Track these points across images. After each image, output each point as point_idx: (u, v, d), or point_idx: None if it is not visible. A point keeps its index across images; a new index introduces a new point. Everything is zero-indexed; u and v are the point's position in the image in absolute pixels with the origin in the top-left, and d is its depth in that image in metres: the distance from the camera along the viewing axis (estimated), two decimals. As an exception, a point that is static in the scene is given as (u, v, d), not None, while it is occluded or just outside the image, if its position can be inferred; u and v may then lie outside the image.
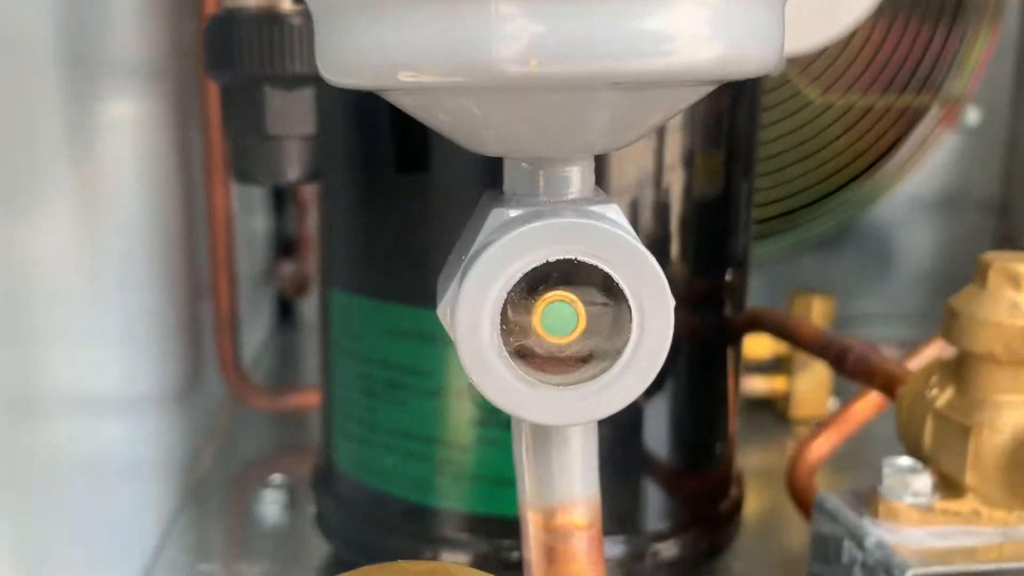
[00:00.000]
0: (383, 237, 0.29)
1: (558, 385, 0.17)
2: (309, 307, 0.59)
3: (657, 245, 0.29)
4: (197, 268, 0.42)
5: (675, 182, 0.28)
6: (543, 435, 0.18)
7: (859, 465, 0.37)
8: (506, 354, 0.16)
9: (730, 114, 0.29)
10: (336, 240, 0.31)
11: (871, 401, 0.35)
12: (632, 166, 0.28)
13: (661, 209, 0.28)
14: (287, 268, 0.54)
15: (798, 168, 0.57)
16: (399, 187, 0.28)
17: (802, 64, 0.54)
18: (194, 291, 0.41)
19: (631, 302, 0.16)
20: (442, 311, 0.17)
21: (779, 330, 0.34)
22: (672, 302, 0.17)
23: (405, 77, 0.15)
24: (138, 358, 0.35)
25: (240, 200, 0.49)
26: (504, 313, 0.17)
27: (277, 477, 0.38)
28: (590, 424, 0.19)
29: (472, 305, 0.16)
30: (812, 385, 0.45)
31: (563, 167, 0.17)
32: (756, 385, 0.46)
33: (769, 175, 0.56)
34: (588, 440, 0.19)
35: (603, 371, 0.17)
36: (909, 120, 0.57)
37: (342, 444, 0.31)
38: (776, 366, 0.46)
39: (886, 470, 0.25)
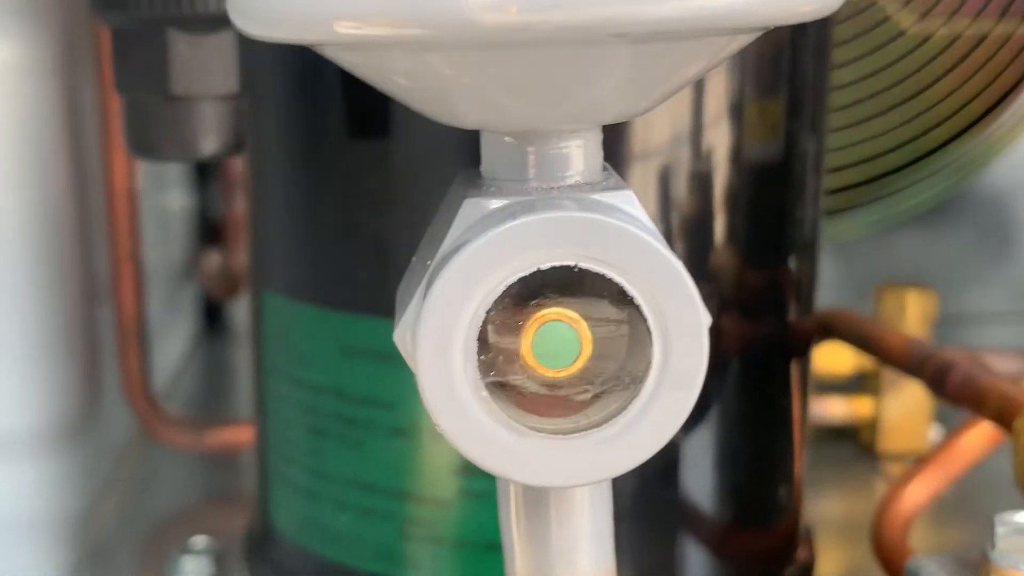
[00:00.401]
0: (331, 225, 0.29)
1: (555, 433, 0.17)
2: (242, 310, 0.59)
3: (695, 227, 0.29)
4: (92, 263, 0.42)
5: (719, 142, 0.28)
6: (537, 499, 0.18)
7: (972, 516, 0.37)
8: (485, 392, 0.16)
9: (791, 49, 0.29)
10: (270, 229, 0.31)
11: (984, 432, 0.35)
12: (661, 121, 0.28)
13: (700, 178, 0.28)
14: (213, 260, 0.54)
15: (887, 120, 0.56)
16: (351, 158, 0.28)
17: (891, -19, 0.53)
18: (88, 293, 0.41)
19: (651, 322, 0.16)
20: (400, 335, 0.17)
21: (858, 339, 0.34)
22: (707, 320, 0.17)
23: (344, 29, 0.15)
24: (14, 384, 0.35)
25: (149, 174, 0.49)
26: (483, 337, 0.17)
27: (200, 540, 0.38)
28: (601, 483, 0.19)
29: (439, 327, 0.16)
30: (907, 409, 0.45)
31: (560, 142, 0.17)
32: (834, 409, 0.46)
33: (848, 129, 0.55)
34: (598, 503, 0.19)
35: (616, 413, 0.17)
36: (1034, 53, 0.57)
37: (282, 498, 0.31)
38: (859, 385, 0.46)
39: (1000, 529, 0.25)
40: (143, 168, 0.46)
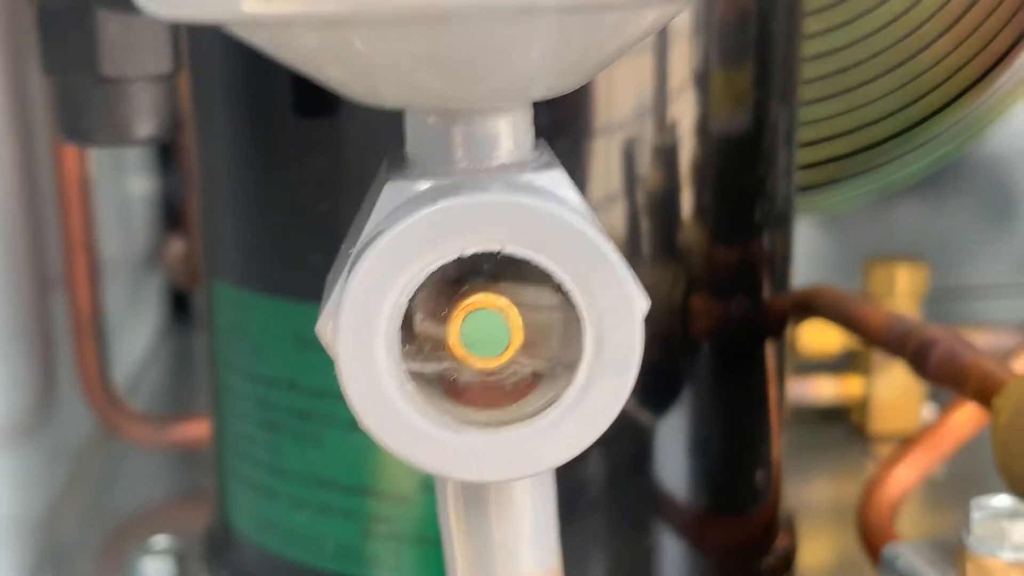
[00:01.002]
0: (281, 209, 0.29)
1: (488, 425, 0.17)
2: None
3: (662, 203, 0.29)
4: (43, 252, 0.42)
5: (684, 113, 0.28)
6: (475, 494, 0.18)
7: (966, 500, 0.37)
8: (411, 385, 0.16)
9: (759, 15, 0.29)
10: (218, 214, 0.31)
11: (974, 412, 0.35)
12: (624, 92, 0.27)
13: (665, 152, 0.28)
14: (176, 248, 0.54)
15: (880, 85, 0.56)
16: (300, 139, 0.28)
17: (880, -59, 0.53)
18: (40, 285, 0.41)
19: (582, 308, 0.16)
20: (322, 326, 0.17)
21: (839, 316, 0.34)
22: (642, 304, 0.17)
23: (250, 7, 0.15)
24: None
25: (108, 159, 0.49)
26: (408, 327, 0.16)
27: (161, 539, 0.38)
28: (541, 476, 0.19)
29: (359, 317, 0.16)
30: (898, 388, 0.45)
31: (486, 120, 0.17)
32: (823, 389, 0.46)
33: (836, 97, 0.55)
34: (540, 495, 0.19)
35: (550, 403, 0.17)
36: (1032, 14, 0.56)
37: (239, 496, 0.31)
38: (849, 363, 0.46)
39: (976, 515, 0.25)
40: (101, 154, 0.45)
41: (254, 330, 0.30)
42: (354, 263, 0.16)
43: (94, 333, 0.43)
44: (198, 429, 0.44)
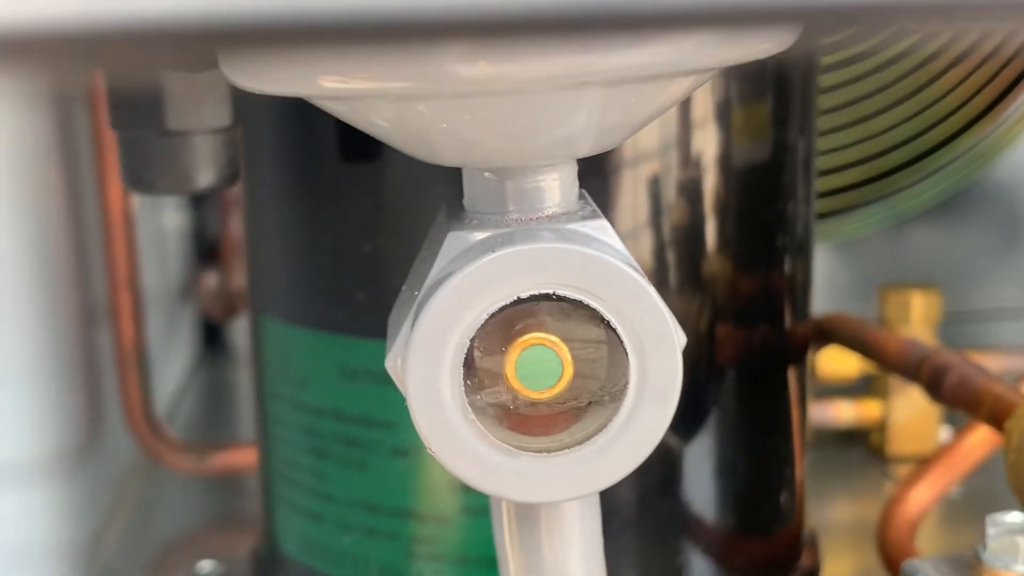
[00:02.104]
0: (327, 248, 0.30)
1: (542, 451, 0.19)
2: (242, 330, 0.60)
3: (686, 234, 0.30)
4: (89, 287, 0.43)
5: (707, 146, 0.30)
6: (528, 515, 0.20)
7: (983, 518, 0.38)
8: (473, 415, 0.18)
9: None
10: (267, 254, 0.32)
11: (989, 432, 0.36)
12: (648, 129, 0.28)
13: (689, 184, 0.30)
14: (210, 281, 0.56)
15: (893, 114, 0.58)
16: (346, 182, 0.30)
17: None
18: (86, 317, 0.43)
19: (626, 344, 0.18)
20: (392, 362, 0.19)
21: (856, 343, 0.36)
22: (681, 340, 0.18)
23: (329, 83, 0.17)
24: (15, 413, 0.36)
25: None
26: (469, 363, 0.18)
27: (206, 564, 0.40)
28: (589, 496, 0.20)
29: (427, 354, 0.18)
30: (915, 411, 0.46)
31: (536, 176, 0.19)
32: (842, 413, 0.47)
33: (851, 127, 0.57)
34: (587, 516, 0.20)
35: (598, 430, 0.19)
36: (1040, 43, 0.58)
37: (287, 519, 0.33)
38: (867, 387, 0.47)
39: (991, 530, 0.27)
40: (138, 190, 0.47)
41: (301, 363, 0.31)
42: (420, 306, 0.18)
43: (137, 366, 0.44)
44: (237, 457, 0.46)
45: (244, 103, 0.30)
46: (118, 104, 0.28)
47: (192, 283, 0.59)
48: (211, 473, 0.46)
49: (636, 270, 0.18)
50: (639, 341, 0.18)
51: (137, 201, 0.46)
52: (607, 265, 0.18)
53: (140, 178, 0.28)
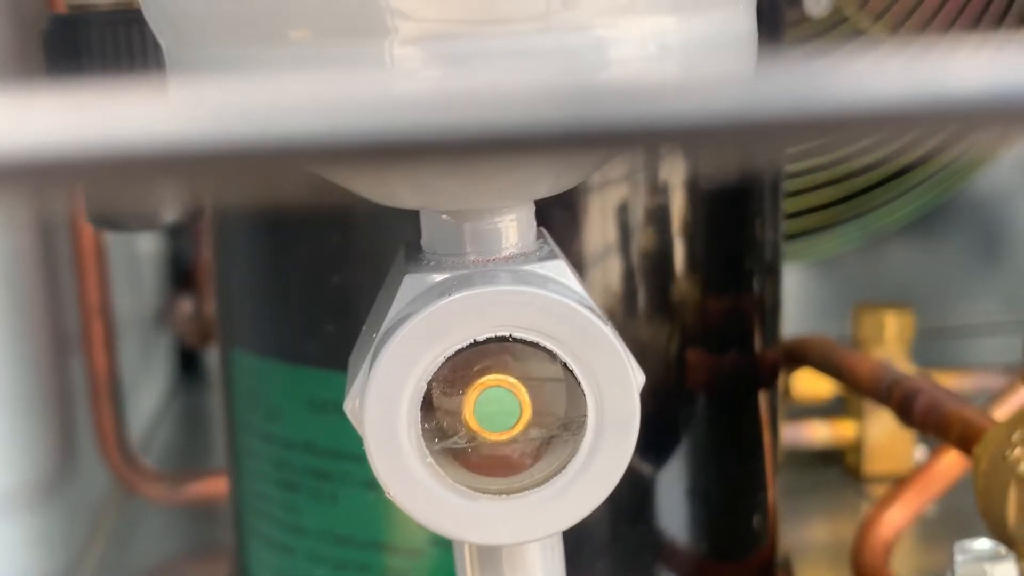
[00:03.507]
0: (296, 281, 0.31)
1: (502, 493, 0.19)
2: (218, 357, 0.60)
3: (654, 258, 0.30)
4: (61, 315, 0.43)
5: (673, 171, 0.30)
6: (490, 556, 0.20)
7: (958, 539, 0.38)
8: (431, 459, 0.18)
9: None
10: (236, 287, 0.32)
11: (961, 455, 0.36)
12: None
13: (657, 209, 0.30)
14: (185, 307, 0.56)
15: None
16: (313, 216, 0.30)
17: (861, -6, 0.55)
18: (58, 346, 0.43)
19: (583, 384, 0.18)
20: (351, 404, 0.19)
21: (827, 365, 0.36)
22: (638, 379, 0.18)
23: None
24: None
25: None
26: (427, 406, 0.18)
27: (180, 595, 0.40)
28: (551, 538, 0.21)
29: (384, 397, 0.18)
30: (889, 431, 0.46)
31: (494, 218, 0.19)
32: (818, 433, 0.47)
33: (829, 144, 0.57)
34: (550, 555, 0.21)
35: (559, 470, 0.19)
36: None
37: (259, 552, 0.33)
38: (842, 408, 0.48)
39: (959, 557, 0.27)
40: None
41: (271, 395, 0.32)
42: (378, 348, 0.18)
43: (110, 394, 0.44)
44: (212, 486, 0.46)
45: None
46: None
47: (167, 309, 0.59)
48: (186, 502, 0.46)
49: (593, 311, 0.18)
50: (595, 380, 0.18)
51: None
52: (563, 307, 0.18)
53: (106, 216, 0.28)
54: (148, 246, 0.58)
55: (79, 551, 0.43)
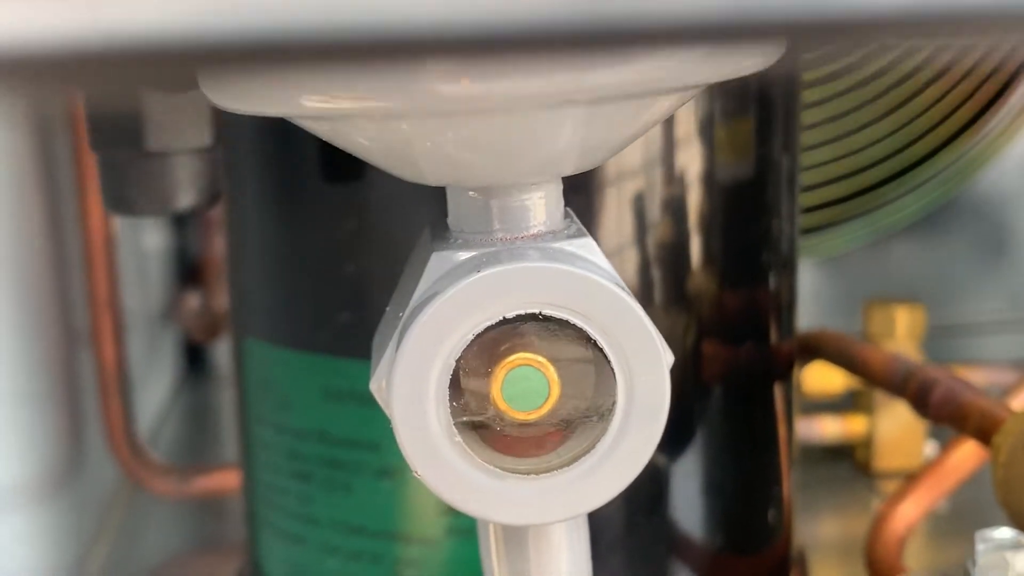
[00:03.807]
0: (310, 270, 0.30)
1: (529, 473, 0.18)
2: (225, 352, 0.60)
3: (671, 251, 0.30)
4: (70, 309, 0.43)
5: (690, 164, 0.30)
6: (516, 537, 0.20)
7: (971, 533, 0.38)
8: (459, 438, 0.18)
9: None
10: (249, 275, 0.32)
11: (975, 447, 0.36)
12: (632, 146, 0.29)
13: (674, 201, 0.30)
14: (192, 302, 0.56)
15: (874, 130, 0.58)
16: (329, 202, 0.30)
17: (871, -8, 0.55)
18: (67, 340, 0.43)
19: (614, 363, 0.18)
20: (377, 384, 0.19)
21: (842, 359, 0.36)
22: (668, 358, 0.18)
23: (311, 102, 0.16)
24: (-4, 438, 0.36)
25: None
26: (455, 384, 0.18)
27: (190, 588, 0.39)
28: (577, 519, 0.20)
29: (412, 376, 0.18)
30: (901, 426, 0.46)
31: (522, 195, 0.19)
32: (828, 428, 0.47)
33: (833, 143, 0.57)
34: (575, 536, 0.20)
35: (586, 451, 0.18)
36: (1019, 58, 0.58)
37: (271, 544, 0.33)
38: (853, 403, 0.47)
39: (980, 546, 0.27)
40: (119, 211, 0.47)
41: (284, 384, 0.31)
42: (405, 327, 0.18)
43: (119, 388, 0.44)
44: (220, 480, 0.46)
45: (226, 123, 0.30)
46: (97, 125, 0.28)
47: (174, 304, 0.59)
48: (194, 496, 0.46)
49: (622, 288, 0.18)
50: (626, 360, 0.18)
51: (119, 222, 0.46)
52: (593, 284, 0.18)
53: (121, 200, 0.28)
54: (155, 241, 0.58)
55: (87, 545, 0.43)
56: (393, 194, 0.29)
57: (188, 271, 0.59)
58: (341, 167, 0.29)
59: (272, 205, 0.31)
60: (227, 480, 0.45)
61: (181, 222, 0.59)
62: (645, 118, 0.18)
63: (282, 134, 0.30)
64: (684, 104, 0.19)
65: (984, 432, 0.30)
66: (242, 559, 0.36)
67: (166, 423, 0.56)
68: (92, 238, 0.43)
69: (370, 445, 0.30)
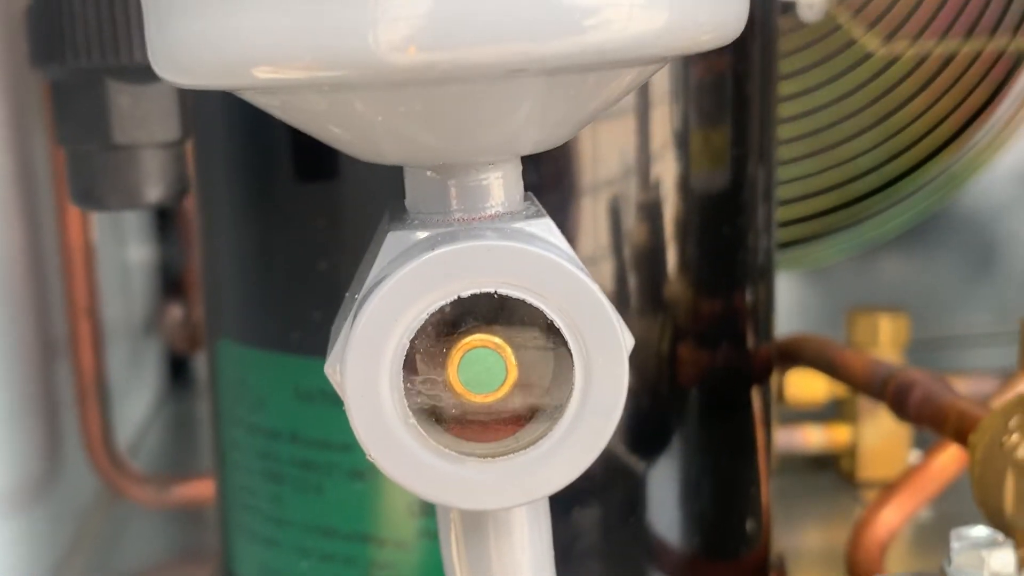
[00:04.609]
0: (282, 269, 0.30)
1: (486, 456, 0.18)
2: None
3: (648, 258, 0.30)
4: (49, 318, 0.43)
5: (666, 172, 0.30)
6: (475, 523, 0.19)
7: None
8: (413, 420, 0.18)
9: (735, 74, 0.31)
10: (221, 275, 0.32)
11: (956, 453, 0.36)
12: (608, 153, 0.29)
13: (650, 208, 0.30)
14: (175, 314, 0.56)
15: (860, 142, 0.58)
16: (299, 200, 0.29)
17: (855, 5, 0.55)
18: (46, 349, 0.42)
19: (571, 344, 0.18)
20: (331, 367, 0.18)
21: (821, 362, 0.35)
22: (628, 342, 0.18)
23: (261, 73, 0.16)
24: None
25: (107, 226, 0.50)
26: (411, 366, 0.18)
27: (166, 596, 0.39)
28: (537, 503, 0.20)
29: (365, 357, 0.17)
30: (884, 435, 0.46)
31: (479, 175, 0.18)
32: (812, 437, 0.47)
33: (823, 153, 0.57)
34: (537, 523, 0.20)
35: (544, 434, 0.18)
36: (1005, 69, 0.58)
37: (243, 547, 0.32)
38: (836, 412, 0.47)
39: (955, 544, 0.26)
40: (101, 221, 0.47)
41: (257, 385, 0.31)
42: (359, 307, 0.18)
43: (98, 397, 0.44)
44: (199, 489, 0.45)
45: (196, 117, 0.30)
46: (64, 118, 0.27)
47: (157, 315, 0.58)
48: (173, 505, 0.45)
49: (580, 269, 0.18)
50: (583, 341, 0.18)
51: (101, 234, 0.46)
52: (550, 263, 0.17)
53: (88, 193, 0.27)
54: (138, 253, 0.58)
55: (65, 554, 0.42)
56: (364, 191, 0.29)
57: (171, 282, 0.59)
58: (312, 166, 0.29)
59: (243, 205, 0.30)
60: (206, 489, 0.45)
61: (164, 234, 0.59)
62: (605, 94, 0.18)
63: (253, 132, 0.30)
64: (643, 81, 0.19)
65: (962, 433, 0.30)
66: (217, 567, 0.35)
67: (149, 433, 0.55)
68: (70, 247, 0.42)
69: (342, 446, 0.30)
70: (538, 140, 0.18)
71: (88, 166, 0.27)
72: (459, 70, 0.15)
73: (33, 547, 0.40)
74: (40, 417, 0.41)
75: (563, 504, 0.27)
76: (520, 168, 0.19)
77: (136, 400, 0.55)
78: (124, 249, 0.55)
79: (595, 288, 0.18)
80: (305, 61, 0.16)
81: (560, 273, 0.17)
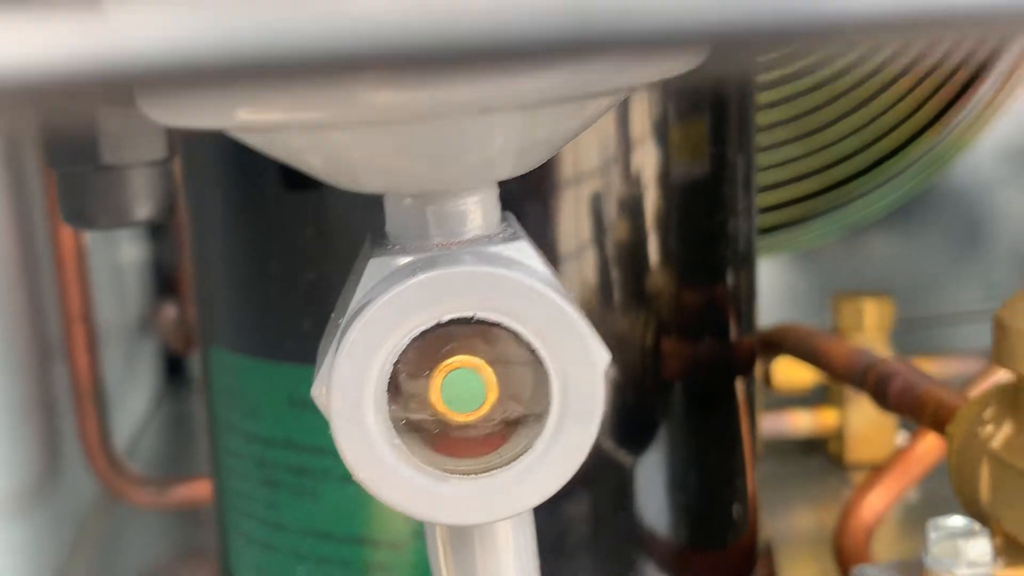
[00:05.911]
0: (272, 278, 0.31)
1: (470, 473, 0.19)
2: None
3: (629, 250, 0.30)
4: (43, 322, 0.43)
5: (646, 164, 0.30)
6: (461, 537, 0.20)
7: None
8: (399, 441, 0.18)
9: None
10: (213, 284, 0.32)
11: (939, 438, 0.37)
12: (588, 147, 0.29)
13: (630, 201, 0.30)
14: (169, 313, 0.56)
15: (843, 126, 0.58)
16: (289, 210, 0.30)
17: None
18: (41, 353, 0.43)
19: (548, 365, 0.18)
20: (317, 390, 0.19)
21: (804, 352, 0.36)
22: (603, 359, 0.19)
23: (244, 115, 0.17)
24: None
25: (98, 228, 0.50)
26: (395, 388, 0.18)
27: (168, 597, 0.40)
28: (521, 519, 0.21)
29: (350, 381, 0.18)
30: (871, 418, 0.46)
31: (457, 201, 0.19)
32: (800, 422, 0.48)
33: (805, 138, 0.57)
34: (521, 533, 0.21)
35: (525, 450, 0.19)
36: (988, 49, 0.59)
37: (241, 551, 0.33)
38: (824, 396, 0.48)
39: (932, 535, 0.27)
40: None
41: (250, 393, 0.32)
42: (343, 332, 0.18)
43: (94, 400, 0.44)
44: (198, 490, 0.46)
45: (182, 134, 0.31)
46: (53, 142, 0.28)
47: (152, 316, 0.59)
48: (172, 506, 0.46)
49: (556, 290, 0.18)
50: (560, 361, 0.18)
51: (94, 234, 0.47)
52: (525, 286, 0.18)
53: (79, 213, 0.28)
54: (131, 253, 0.58)
55: (65, 558, 0.43)
56: (353, 200, 0.29)
57: (165, 282, 0.59)
58: (300, 177, 0.30)
59: (233, 214, 0.31)
60: (204, 490, 0.45)
61: (157, 234, 0.59)
62: (578, 121, 0.19)
63: (241, 144, 0.30)
64: (615, 106, 0.19)
65: (940, 422, 0.30)
66: (214, 567, 0.36)
67: (146, 435, 0.56)
68: (63, 251, 0.43)
69: (336, 452, 0.30)
70: (515, 167, 0.19)
71: (78, 187, 0.28)
72: (438, 108, 0.16)
73: (33, 552, 0.40)
74: (37, 422, 0.42)
75: (552, 499, 0.28)
76: (497, 191, 0.20)
77: (133, 401, 0.55)
78: (117, 249, 0.56)
79: (569, 309, 0.18)
80: (285, 103, 0.17)
81: (535, 296, 0.18)
